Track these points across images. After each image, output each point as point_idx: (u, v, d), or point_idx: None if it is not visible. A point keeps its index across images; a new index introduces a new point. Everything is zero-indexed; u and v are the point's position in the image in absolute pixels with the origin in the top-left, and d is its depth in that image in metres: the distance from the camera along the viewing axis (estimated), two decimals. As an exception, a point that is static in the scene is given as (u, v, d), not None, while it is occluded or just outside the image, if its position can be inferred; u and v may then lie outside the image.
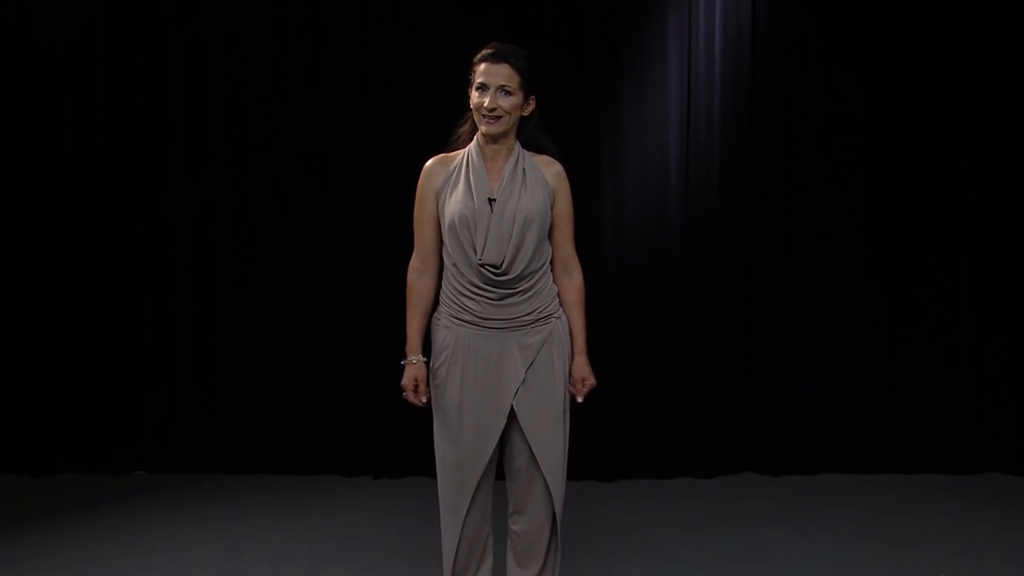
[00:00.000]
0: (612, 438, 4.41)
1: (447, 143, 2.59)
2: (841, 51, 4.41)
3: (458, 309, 2.47)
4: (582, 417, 4.38)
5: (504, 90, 2.40)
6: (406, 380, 2.50)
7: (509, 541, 2.58)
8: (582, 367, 2.57)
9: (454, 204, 2.43)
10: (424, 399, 2.50)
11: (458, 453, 2.47)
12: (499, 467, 2.55)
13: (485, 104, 2.39)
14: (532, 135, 2.55)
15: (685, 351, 4.41)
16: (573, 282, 2.59)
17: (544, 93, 4.28)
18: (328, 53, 4.44)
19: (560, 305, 2.56)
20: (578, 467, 4.38)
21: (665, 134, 4.39)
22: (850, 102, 4.42)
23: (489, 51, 2.43)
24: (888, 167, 4.43)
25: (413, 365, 2.50)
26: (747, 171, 4.43)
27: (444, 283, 2.52)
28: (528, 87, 2.45)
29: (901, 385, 4.46)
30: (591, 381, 2.58)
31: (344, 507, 4.06)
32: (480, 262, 2.40)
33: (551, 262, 2.56)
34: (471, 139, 2.53)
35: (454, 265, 2.46)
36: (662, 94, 4.38)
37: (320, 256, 4.49)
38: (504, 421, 2.46)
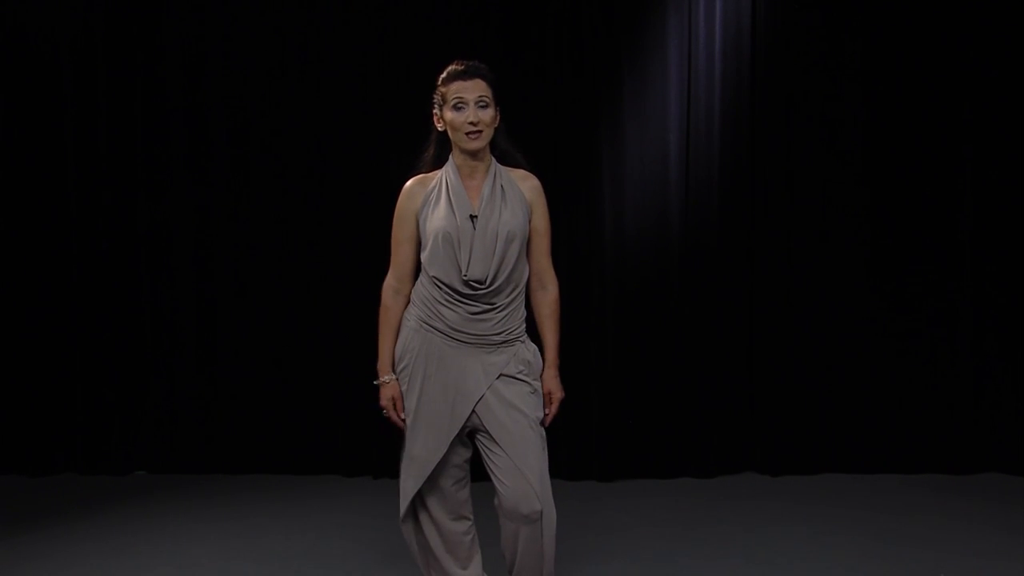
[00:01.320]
0: (612, 438, 4.41)
1: (412, 169, 2.59)
2: (841, 51, 4.41)
3: (431, 315, 2.48)
4: (582, 417, 4.41)
5: (482, 102, 2.42)
6: (384, 401, 2.55)
7: (507, 556, 2.56)
8: (551, 380, 2.57)
9: (436, 221, 2.45)
10: (403, 414, 2.54)
11: (409, 454, 2.51)
12: (483, 470, 2.54)
13: (468, 119, 2.41)
14: (503, 147, 2.56)
15: (685, 351, 4.41)
16: (548, 296, 2.60)
17: (544, 93, 4.33)
18: (328, 54, 4.44)
19: (532, 323, 2.57)
20: (578, 467, 4.41)
21: (665, 134, 4.39)
22: (850, 102, 4.42)
23: (459, 69, 2.46)
24: (888, 167, 4.43)
25: (387, 385, 2.55)
26: (747, 171, 4.43)
27: (419, 286, 2.53)
28: (497, 99, 2.47)
29: (901, 385, 4.46)
30: (559, 395, 2.58)
31: (344, 507, 4.07)
32: (466, 278, 2.41)
33: (530, 275, 2.57)
34: (440, 162, 2.55)
35: (435, 277, 2.46)
36: (662, 94, 4.38)
37: (320, 256, 4.49)
38: (454, 434, 2.46)
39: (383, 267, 2.63)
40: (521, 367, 2.49)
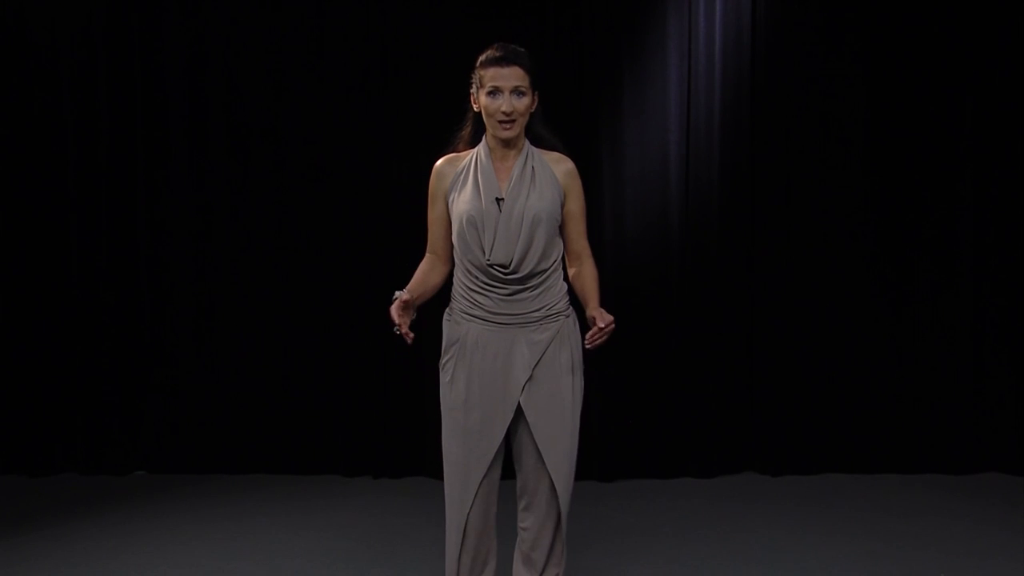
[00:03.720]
0: (612, 438, 4.41)
1: (447, 146, 2.57)
2: (841, 51, 4.41)
3: (469, 304, 2.47)
4: (582, 417, 4.39)
5: (518, 91, 2.40)
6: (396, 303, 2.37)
7: (517, 540, 2.57)
8: (595, 309, 2.43)
9: (462, 204, 2.44)
10: (402, 308, 2.35)
11: (463, 448, 2.47)
12: (507, 465, 2.55)
13: (502, 109, 2.39)
14: (539, 132, 2.55)
15: (685, 351, 4.41)
16: (586, 268, 2.56)
17: (544, 93, 4.31)
18: (328, 53, 4.44)
19: (569, 304, 2.55)
20: (578, 467, 4.36)
21: (665, 134, 4.39)
22: (850, 102, 4.42)
23: (497, 54, 2.41)
24: (888, 166, 4.43)
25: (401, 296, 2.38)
26: (747, 171, 4.43)
27: (455, 279, 2.54)
28: (535, 84, 2.45)
29: (901, 385, 4.46)
30: (608, 317, 2.38)
31: (344, 507, 4.07)
32: (488, 262, 2.40)
33: (566, 256, 2.57)
34: (473, 141, 2.53)
35: (465, 262, 2.47)
36: (662, 94, 4.38)
37: (320, 256, 4.48)
38: (511, 415, 2.46)
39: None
40: (563, 344, 2.48)
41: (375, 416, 4.40)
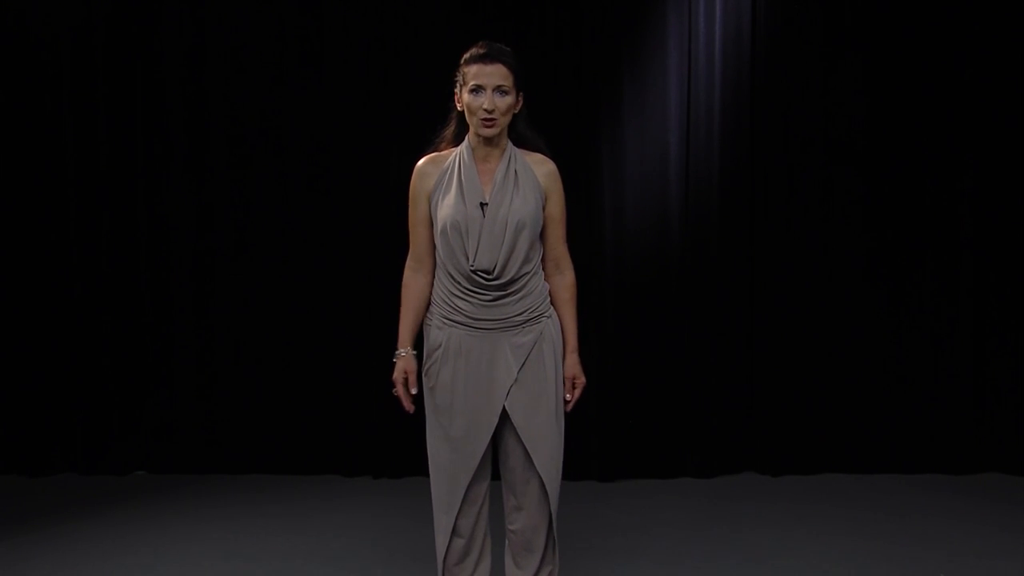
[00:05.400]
0: (612, 438, 4.41)
1: (429, 146, 2.55)
2: (842, 51, 4.41)
3: (450, 310, 2.46)
4: (582, 417, 4.38)
5: (500, 90, 2.38)
6: (396, 373, 2.51)
7: (507, 541, 2.58)
8: (573, 366, 2.56)
9: (446, 209, 2.41)
10: (414, 391, 2.49)
11: (450, 452, 2.47)
12: (495, 467, 2.55)
13: (484, 106, 2.36)
14: (523, 133, 2.53)
15: (685, 351, 4.41)
16: (565, 280, 2.57)
17: (543, 92, 4.33)
18: (328, 53, 4.44)
19: (551, 304, 2.55)
20: (578, 467, 4.41)
21: (665, 134, 4.39)
22: (850, 102, 4.42)
23: (480, 51, 2.40)
24: (888, 166, 4.43)
25: (403, 358, 2.51)
26: (747, 171, 4.43)
27: (436, 283, 2.51)
28: (519, 84, 2.43)
29: (901, 385, 4.46)
30: (581, 380, 2.57)
31: (344, 507, 4.07)
32: (472, 268, 2.39)
33: (543, 261, 2.55)
34: (456, 141, 2.52)
35: (447, 267, 2.45)
36: (662, 94, 4.38)
37: (320, 256, 4.49)
38: (496, 421, 2.45)
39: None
40: (547, 346, 2.48)
41: (375, 416, 4.40)
